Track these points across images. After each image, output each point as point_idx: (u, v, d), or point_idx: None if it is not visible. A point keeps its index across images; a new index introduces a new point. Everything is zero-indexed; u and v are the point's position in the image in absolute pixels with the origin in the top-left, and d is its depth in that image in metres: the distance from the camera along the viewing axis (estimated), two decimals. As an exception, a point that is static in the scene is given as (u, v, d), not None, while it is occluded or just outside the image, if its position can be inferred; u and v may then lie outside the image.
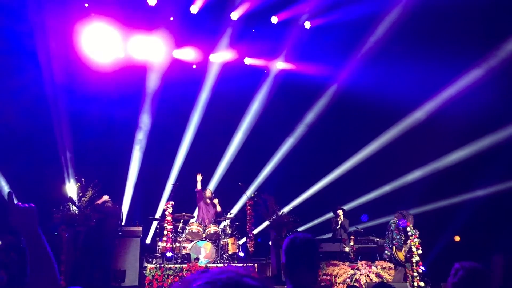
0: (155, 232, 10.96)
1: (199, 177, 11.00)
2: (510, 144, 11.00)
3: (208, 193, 11.17)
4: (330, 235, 11.76)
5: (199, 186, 10.96)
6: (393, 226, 9.47)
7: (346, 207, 12.62)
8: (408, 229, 9.40)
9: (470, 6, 10.21)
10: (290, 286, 2.75)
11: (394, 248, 9.32)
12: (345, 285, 9.08)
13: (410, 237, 9.37)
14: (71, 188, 9.41)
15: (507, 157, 10.95)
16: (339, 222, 11.12)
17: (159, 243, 9.87)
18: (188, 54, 13.02)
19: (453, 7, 10.48)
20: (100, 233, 8.06)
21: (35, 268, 1.77)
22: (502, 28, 10.78)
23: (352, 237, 11.06)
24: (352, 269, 9.48)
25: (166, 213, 9.88)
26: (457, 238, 12.80)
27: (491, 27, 10.80)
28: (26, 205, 1.81)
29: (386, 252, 9.62)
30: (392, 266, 9.56)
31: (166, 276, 8.70)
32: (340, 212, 11.32)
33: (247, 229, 10.93)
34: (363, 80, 12.42)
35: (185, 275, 8.75)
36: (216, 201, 11.15)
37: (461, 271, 2.91)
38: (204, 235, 10.14)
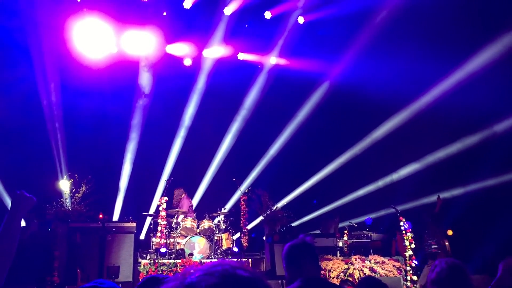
0: (149, 227, 10.95)
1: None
2: (502, 139, 11.07)
3: (177, 192, 11.41)
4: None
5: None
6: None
7: (340, 201, 12.67)
8: (401, 223, 9.47)
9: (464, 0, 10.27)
10: (297, 282, 2.77)
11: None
12: (339, 280, 9.12)
13: (403, 231, 9.46)
14: (64, 184, 9.38)
15: (499, 151, 11.02)
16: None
17: (153, 239, 9.87)
18: (181, 49, 12.97)
19: (446, 1, 10.52)
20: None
21: None
22: (496, 23, 10.81)
23: (346, 231, 11.10)
24: (346, 263, 9.52)
25: (160, 208, 9.88)
26: (449, 232, 12.89)
27: (484, 22, 10.83)
28: (28, 195, 2.16)
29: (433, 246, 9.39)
30: (386, 260, 9.60)
31: (160, 272, 8.70)
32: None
33: (241, 225, 10.94)
34: (356, 76, 12.42)
35: (179, 271, 8.76)
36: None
37: (438, 267, 2.96)
38: (198, 230, 10.14)
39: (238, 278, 1.06)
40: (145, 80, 12.69)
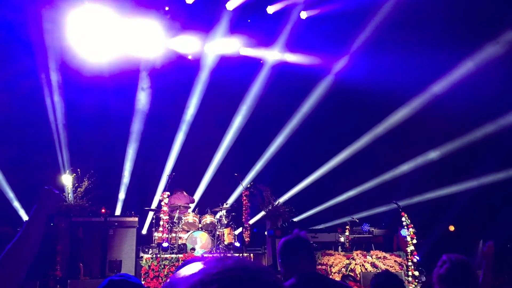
0: (151, 222, 10.95)
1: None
2: (503, 135, 11.04)
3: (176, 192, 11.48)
4: (325, 224, 11.85)
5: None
6: None
7: (342, 197, 12.65)
8: (403, 218, 9.48)
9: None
10: (293, 279, 2.76)
11: None
12: (341, 275, 9.13)
13: (405, 227, 9.46)
14: (67, 179, 9.40)
15: (500, 148, 11.00)
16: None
17: (155, 234, 9.88)
18: (184, 44, 12.95)
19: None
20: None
21: (21, 245, 2.03)
22: (498, 20, 10.76)
23: (347, 227, 11.10)
24: (348, 258, 9.53)
25: (162, 203, 9.88)
26: (451, 228, 12.89)
27: (487, 18, 10.78)
28: (56, 191, 2.18)
29: None
30: (387, 255, 9.61)
31: (162, 266, 8.72)
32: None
33: (243, 220, 10.93)
34: (359, 71, 12.40)
35: (181, 265, 8.76)
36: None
37: (447, 263, 2.96)
38: (200, 225, 10.16)
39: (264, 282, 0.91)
40: (147, 75, 12.68)
